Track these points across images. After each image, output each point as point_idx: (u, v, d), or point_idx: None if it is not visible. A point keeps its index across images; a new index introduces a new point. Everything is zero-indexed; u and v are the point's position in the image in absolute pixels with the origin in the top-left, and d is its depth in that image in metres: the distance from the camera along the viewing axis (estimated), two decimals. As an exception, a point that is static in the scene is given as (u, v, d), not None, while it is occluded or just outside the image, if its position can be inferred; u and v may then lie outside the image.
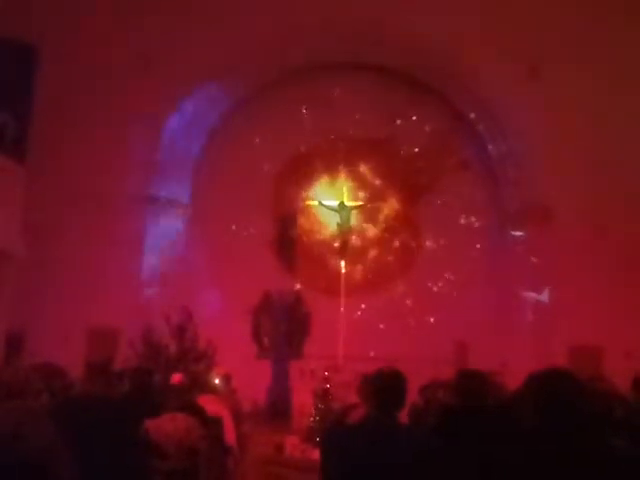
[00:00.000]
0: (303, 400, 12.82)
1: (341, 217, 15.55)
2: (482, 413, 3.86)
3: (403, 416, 4.13)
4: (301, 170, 17.56)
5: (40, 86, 14.18)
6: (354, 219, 16.14)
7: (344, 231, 15.49)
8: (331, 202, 15.97)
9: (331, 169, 17.49)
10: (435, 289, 16.96)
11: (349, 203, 15.79)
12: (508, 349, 15.15)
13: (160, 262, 16.36)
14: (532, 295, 15.90)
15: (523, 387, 2.26)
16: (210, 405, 6.97)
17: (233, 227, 16.87)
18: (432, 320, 16.28)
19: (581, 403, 2.07)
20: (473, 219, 16.99)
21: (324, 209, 16.38)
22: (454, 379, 4.71)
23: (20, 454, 1.48)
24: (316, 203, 16.53)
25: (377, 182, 17.55)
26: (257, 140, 17.18)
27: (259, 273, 16.67)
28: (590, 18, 14.66)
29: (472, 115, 17.04)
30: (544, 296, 15.71)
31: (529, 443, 2.14)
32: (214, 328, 13.48)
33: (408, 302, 16.92)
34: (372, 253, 17.45)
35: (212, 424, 6.58)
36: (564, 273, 15.20)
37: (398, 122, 17.28)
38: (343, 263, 15.40)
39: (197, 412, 6.06)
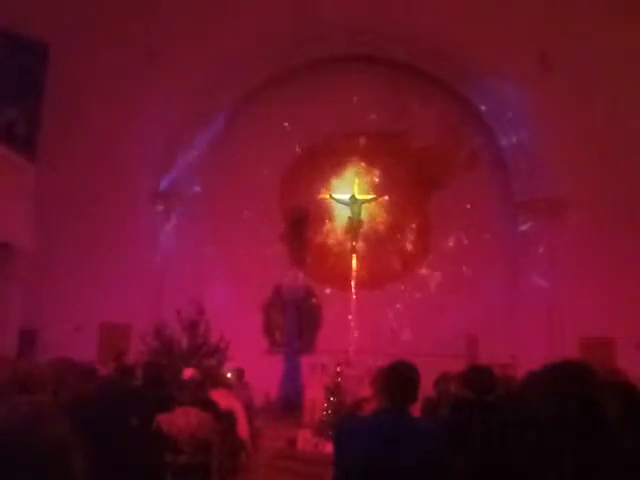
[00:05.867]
0: (315, 394, 12.83)
1: (352, 210, 15.51)
2: (494, 406, 3.85)
3: (416, 410, 4.13)
4: (312, 164, 17.54)
5: (51, 83, 14.24)
6: (365, 212, 16.09)
7: (355, 225, 15.45)
8: (342, 195, 15.93)
9: (342, 163, 17.47)
10: (446, 282, 16.93)
11: (360, 196, 15.74)
12: (519, 341, 15.12)
13: (171, 257, 16.41)
14: (543, 286, 15.86)
15: (538, 379, 2.24)
16: (223, 399, 6.99)
17: (243, 221, 16.87)
18: (444, 313, 16.25)
19: (600, 397, 2.05)
20: (483, 212, 16.92)
21: (335, 202, 16.35)
22: (464, 373, 4.71)
23: (35, 448, 1.48)
24: (327, 196, 16.50)
25: (388, 175, 17.51)
26: (267, 134, 17.17)
27: (270, 267, 16.70)
28: (600, 11, 14.57)
29: (482, 108, 16.96)
30: (555, 288, 15.67)
31: (543, 437, 2.12)
32: (226, 322, 13.51)
33: (419, 295, 16.90)
34: (383, 246, 17.43)
35: (225, 418, 6.59)
36: (575, 265, 15.17)
37: (408, 115, 17.23)
38: (354, 257, 15.37)
39: (210, 407, 6.07)
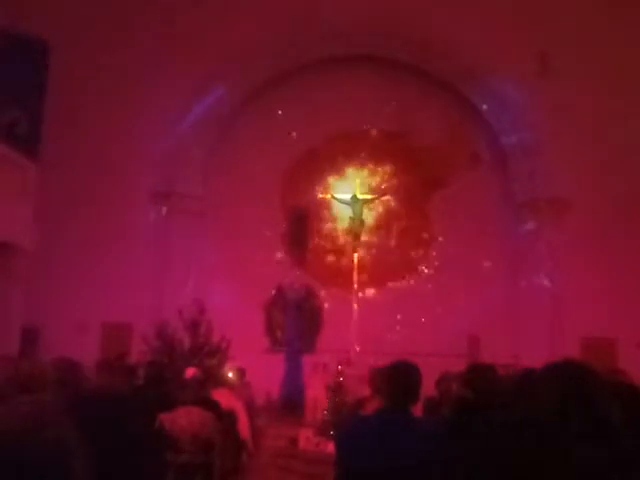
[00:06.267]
0: (316, 394, 12.83)
1: (354, 210, 15.50)
2: (495, 406, 3.85)
3: (417, 409, 4.13)
4: (313, 164, 17.54)
5: (53, 83, 14.24)
6: (366, 212, 16.09)
7: (356, 224, 15.44)
8: (344, 195, 15.92)
9: (343, 163, 17.46)
10: (447, 282, 16.92)
11: (362, 196, 15.72)
12: (521, 341, 15.12)
13: (172, 256, 16.41)
14: (544, 286, 15.87)
15: (538, 379, 2.25)
16: (224, 399, 6.99)
17: (245, 221, 16.87)
18: (445, 313, 16.26)
19: (600, 397, 2.05)
20: (485, 211, 16.93)
21: (337, 202, 16.34)
22: (465, 372, 4.71)
23: (36, 448, 1.49)
24: (328, 196, 16.50)
25: (390, 175, 17.51)
26: (268, 134, 17.18)
27: (271, 267, 16.70)
28: (601, 11, 14.56)
29: (484, 107, 16.96)
30: (556, 288, 15.67)
31: (543, 437, 2.13)
32: (227, 322, 13.51)
33: (421, 295, 16.89)
34: (385, 246, 17.43)
35: (226, 418, 6.60)
36: (576, 264, 15.16)
37: (409, 115, 17.22)
38: (356, 256, 15.36)
39: (211, 406, 6.07)
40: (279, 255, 17.23)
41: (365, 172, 17.42)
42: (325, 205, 17.31)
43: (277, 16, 15.70)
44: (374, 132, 17.72)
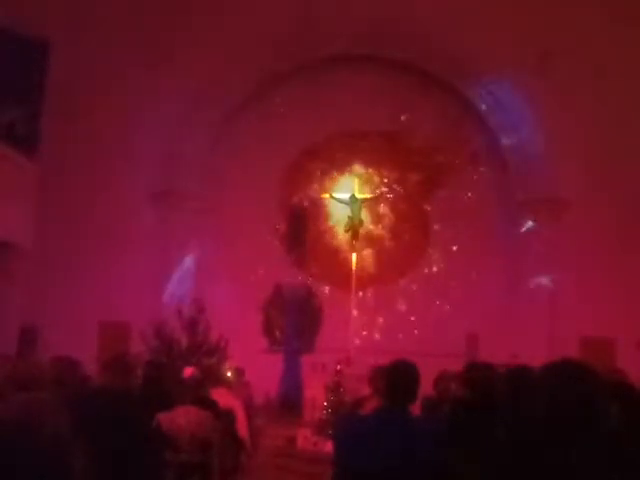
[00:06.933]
0: (315, 393, 12.84)
1: (352, 210, 15.50)
2: (494, 405, 3.85)
3: (415, 409, 4.13)
4: (313, 163, 17.55)
5: (52, 83, 14.21)
6: (365, 212, 16.10)
7: (355, 224, 15.44)
8: (342, 195, 15.92)
9: (342, 162, 17.47)
10: (446, 282, 16.93)
11: (360, 196, 15.73)
12: (519, 341, 15.12)
13: (171, 256, 16.41)
14: (543, 286, 15.87)
15: (537, 379, 2.24)
16: (222, 398, 6.99)
17: (244, 220, 16.85)
18: (444, 312, 16.27)
19: (599, 397, 2.05)
20: (484, 211, 16.94)
21: (335, 202, 16.35)
22: (463, 372, 4.71)
23: (35, 443, 1.48)
24: (327, 196, 16.51)
25: (388, 174, 17.52)
26: (268, 134, 17.17)
27: (270, 266, 16.70)
28: (601, 11, 14.56)
29: (483, 107, 16.96)
30: (555, 287, 15.68)
31: (543, 437, 2.12)
32: (226, 321, 13.51)
33: (419, 295, 16.90)
34: (383, 246, 17.43)
35: (225, 417, 6.60)
36: (575, 264, 15.17)
37: (408, 115, 17.24)
38: (354, 256, 15.36)
39: (210, 405, 6.08)
40: (278, 254, 17.21)
41: (364, 172, 17.43)
42: (324, 205, 17.32)
43: (277, 16, 15.68)
44: (373, 132, 17.70)
